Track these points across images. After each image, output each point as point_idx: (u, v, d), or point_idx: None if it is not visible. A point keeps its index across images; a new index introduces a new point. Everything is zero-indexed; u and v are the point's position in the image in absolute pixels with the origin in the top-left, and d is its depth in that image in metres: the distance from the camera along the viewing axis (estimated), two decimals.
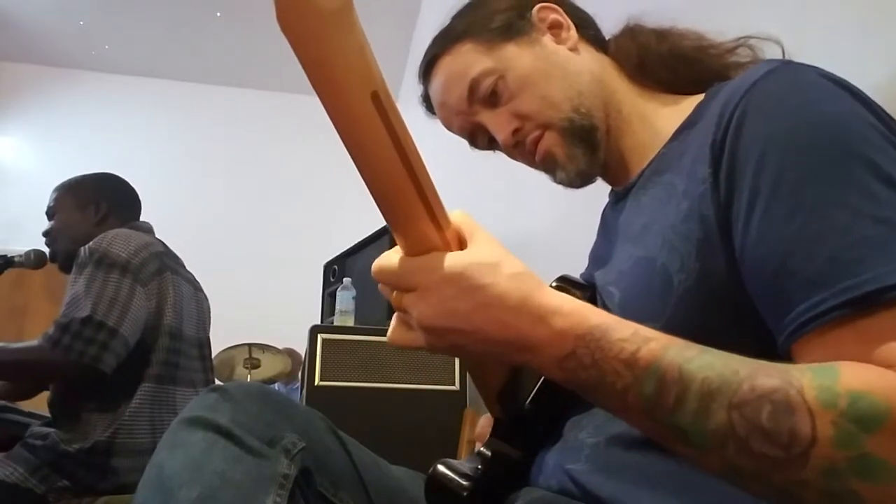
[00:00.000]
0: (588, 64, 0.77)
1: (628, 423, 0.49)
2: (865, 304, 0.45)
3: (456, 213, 0.51)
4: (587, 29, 0.80)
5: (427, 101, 0.84)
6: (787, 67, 0.56)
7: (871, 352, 0.44)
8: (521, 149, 0.77)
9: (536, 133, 0.75)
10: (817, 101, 0.53)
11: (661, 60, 0.75)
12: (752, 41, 0.72)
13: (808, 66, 0.56)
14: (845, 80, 0.55)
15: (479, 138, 0.81)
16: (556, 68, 0.75)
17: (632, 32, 0.78)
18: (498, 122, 0.76)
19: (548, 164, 0.76)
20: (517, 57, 0.75)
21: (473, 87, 0.76)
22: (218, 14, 4.37)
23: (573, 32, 0.78)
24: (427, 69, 0.81)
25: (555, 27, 0.78)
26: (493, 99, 0.76)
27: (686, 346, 0.46)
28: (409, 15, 4.26)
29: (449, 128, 0.83)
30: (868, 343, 0.44)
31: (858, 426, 0.39)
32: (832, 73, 0.55)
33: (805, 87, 0.54)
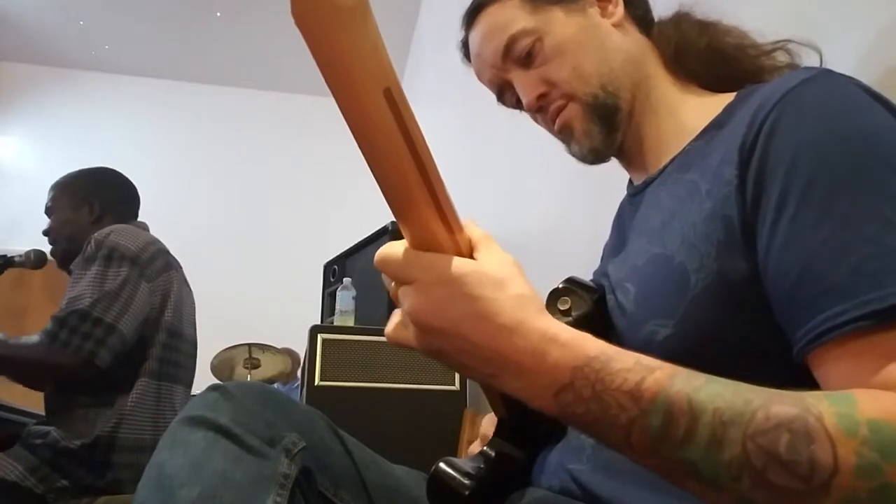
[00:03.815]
0: (626, 43, 0.76)
1: (631, 458, 0.45)
2: (888, 318, 0.43)
3: (477, 230, 0.50)
4: (636, 7, 0.80)
5: (465, 47, 0.83)
6: (824, 77, 0.56)
7: (889, 369, 0.43)
8: (543, 114, 0.77)
9: (560, 102, 0.75)
10: (853, 112, 0.52)
11: (697, 53, 0.74)
12: (790, 45, 0.71)
13: (845, 76, 0.56)
14: (880, 94, 0.55)
15: (507, 96, 0.81)
16: (593, 41, 0.75)
17: (677, 20, 0.78)
18: (526, 84, 0.76)
19: (564, 135, 0.77)
20: (559, 23, 0.75)
21: (510, 44, 0.76)
22: (218, 14, 4.37)
23: (620, 9, 0.78)
24: (471, 16, 0.81)
25: (603, 0, 0.78)
26: (527, 60, 0.76)
27: (692, 374, 0.43)
28: (409, 15, 4.26)
29: (480, 79, 0.83)
30: (887, 358, 0.43)
31: (881, 455, 0.38)
32: (868, 85, 0.55)
33: (841, 97, 0.54)
